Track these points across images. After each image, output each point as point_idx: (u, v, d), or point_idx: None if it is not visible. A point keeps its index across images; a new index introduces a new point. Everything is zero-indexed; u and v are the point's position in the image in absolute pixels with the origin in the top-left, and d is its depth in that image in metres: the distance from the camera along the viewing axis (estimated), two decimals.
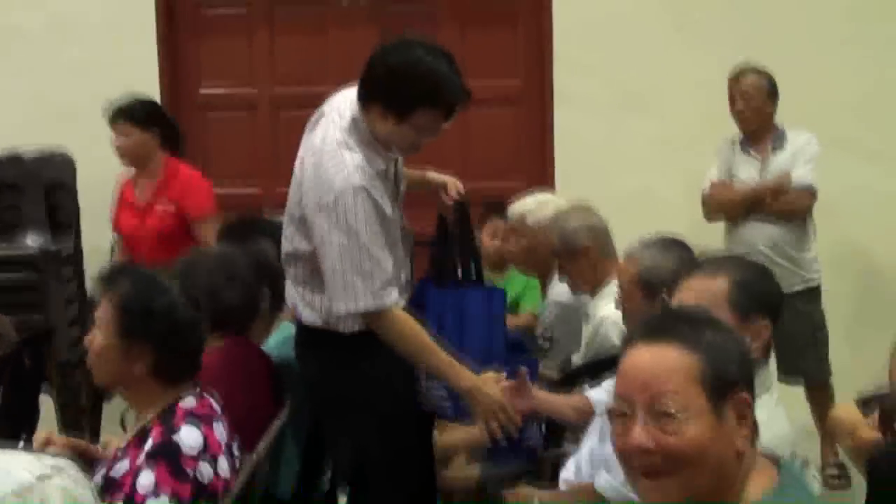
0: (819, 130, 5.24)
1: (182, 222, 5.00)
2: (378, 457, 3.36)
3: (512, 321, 4.85)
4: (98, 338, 2.73)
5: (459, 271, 3.54)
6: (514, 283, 5.06)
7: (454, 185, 3.62)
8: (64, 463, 2.04)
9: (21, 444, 2.74)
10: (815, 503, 1.93)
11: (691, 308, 2.18)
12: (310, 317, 3.33)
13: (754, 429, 1.89)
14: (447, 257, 3.55)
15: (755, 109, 5.18)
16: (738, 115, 5.22)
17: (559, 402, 3.36)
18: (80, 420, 5.39)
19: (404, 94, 3.14)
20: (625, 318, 3.28)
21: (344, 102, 3.27)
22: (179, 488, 2.54)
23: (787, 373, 5.29)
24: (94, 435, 5.36)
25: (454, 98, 3.19)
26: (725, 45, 5.77)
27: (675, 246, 3.24)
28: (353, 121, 3.21)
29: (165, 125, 5.14)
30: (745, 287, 2.52)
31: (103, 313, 2.72)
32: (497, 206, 5.05)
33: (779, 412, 2.50)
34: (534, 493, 3.20)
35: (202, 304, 2.88)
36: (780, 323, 5.13)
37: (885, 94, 5.79)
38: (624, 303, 3.25)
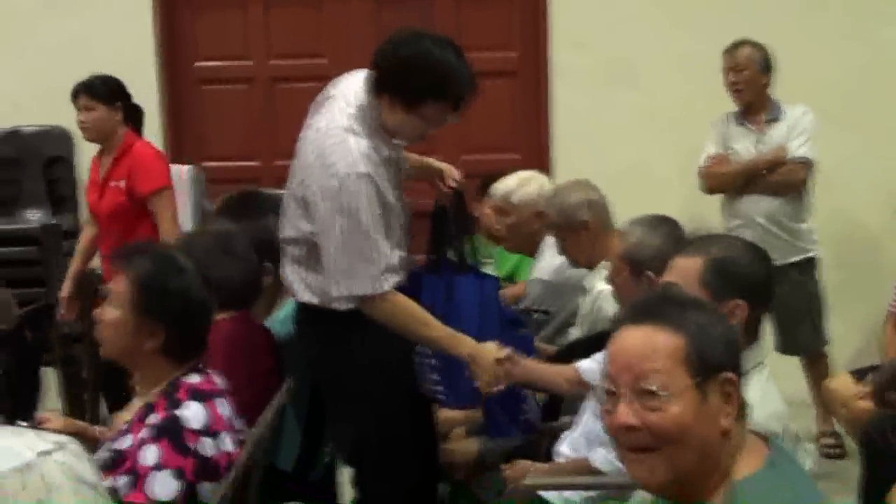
0: (812, 104, 5.27)
1: (132, 199, 4.92)
2: (372, 433, 3.40)
3: (510, 290, 4.95)
4: (111, 312, 2.76)
5: (454, 257, 3.57)
6: (511, 255, 5.11)
7: (451, 173, 3.65)
8: (65, 439, 2.08)
9: (25, 423, 2.78)
10: (804, 479, 1.94)
11: (679, 290, 2.22)
12: (305, 295, 3.37)
13: (741, 408, 1.93)
14: (443, 244, 3.57)
15: (748, 81, 5.19)
16: (732, 87, 5.23)
17: (551, 373, 3.41)
18: (82, 393, 5.43)
19: (414, 86, 3.17)
20: (614, 293, 3.32)
21: (351, 88, 3.29)
22: (183, 463, 2.58)
23: (785, 343, 5.39)
24: (95, 407, 5.41)
25: (462, 90, 3.21)
26: (720, 19, 5.80)
27: (664, 224, 3.26)
28: (361, 108, 3.23)
29: (128, 102, 5.09)
30: (718, 267, 2.55)
31: (120, 289, 2.75)
32: (495, 180, 5.08)
33: (771, 389, 2.53)
34: (529, 467, 3.25)
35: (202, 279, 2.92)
36: (775, 295, 5.24)
37: (878, 67, 5.82)
38: (613, 278, 3.29)
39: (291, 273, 3.40)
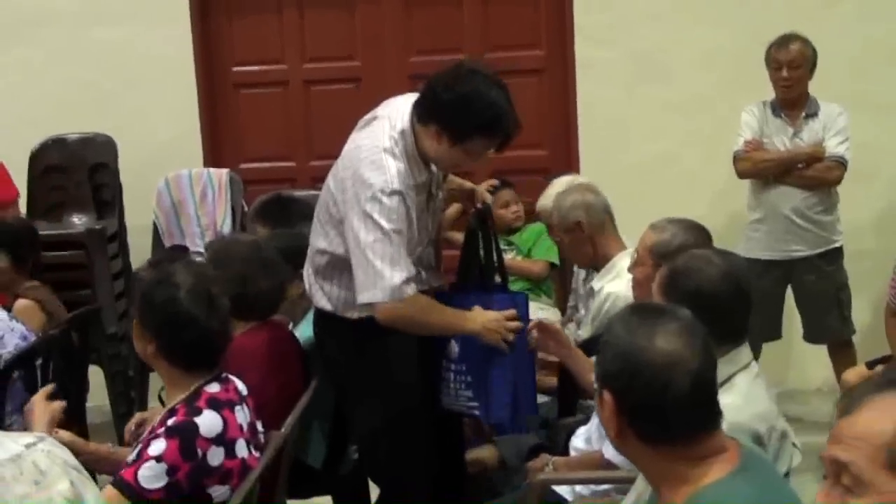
0: (833, 93, 5.34)
1: None
2: (382, 431, 3.57)
3: (527, 265, 5.33)
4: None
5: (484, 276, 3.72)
6: (527, 237, 5.41)
7: (481, 195, 3.83)
8: (43, 435, 2.40)
9: None
10: (774, 482, 2.02)
11: None
12: (322, 302, 3.57)
13: None
14: (472, 263, 3.73)
15: (799, 79, 5.23)
16: (782, 82, 5.25)
17: (584, 363, 3.47)
18: (128, 391, 5.62)
19: (467, 122, 3.33)
20: (633, 281, 3.42)
21: (398, 112, 3.46)
22: (180, 465, 2.78)
23: (812, 332, 5.48)
24: (142, 403, 5.60)
25: (510, 131, 3.38)
26: (744, 12, 5.86)
27: (694, 231, 3.35)
28: (403, 133, 3.40)
29: None
30: (670, 277, 2.70)
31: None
32: (504, 181, 5.41)
33: (757, 390, 2.65)
34: (549, 460, 3.38)
35: (233, 290, 3.10)
36: (803, 284, 5.32)
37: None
38: (636, 266, 3.40)
39: (312, 279, 3.58)
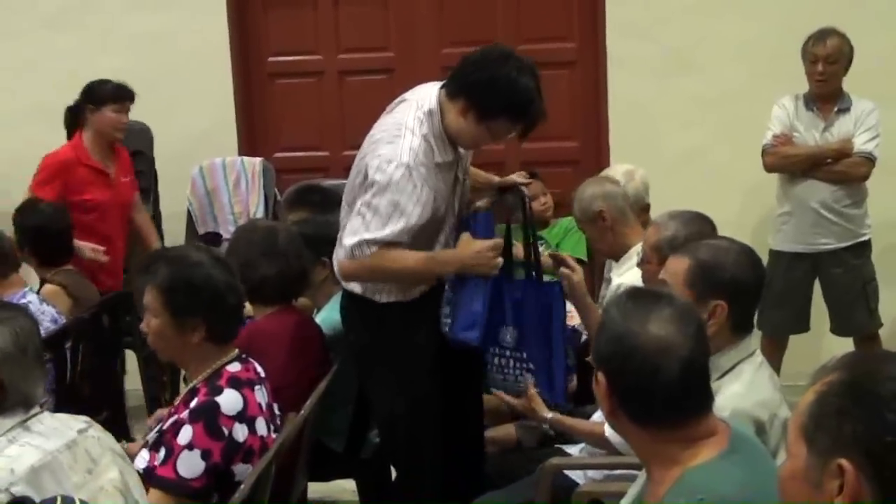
0: (868, 85, 5.33)
1: None
2: (402, 422, 3.63)
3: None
4: (153, 321, 3.01)
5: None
6: (556, 231, 5.45)
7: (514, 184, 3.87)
8: (90, 420, 2.53)
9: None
10: (764, 465, 2.06)
11: None
12: (354, 285, 3.60)
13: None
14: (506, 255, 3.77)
15: (834, 73, 5.23)
16: (817, 76, 5.24)
17: (595, 316, 3.56)
18: (161, 375, 5.70)
19: (496, 102, 3.41)
20: (642, 278, 3.44)
21: (426, 94, 3.53)
22: (212, 446, 2.83)
23: (839, 326, 5.48)
24: (174, 387, 5.68)
25: (536, 118, 3.46)
26: (776, 5, 5.85)
27: (697, 221, 3.36)
28: (430, 113, 3.47)
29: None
30: (699, 269, 2.69)
31: (150, 299, 2.99)
32: (532, 173, 5.30)
33: (761, 378, 2.67)
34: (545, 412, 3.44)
35: (242, 274, 3.16)
36: (830, 277, 5.32)
37: None
38: (644, 264, 3.42)
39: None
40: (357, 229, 3.38)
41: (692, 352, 2.04)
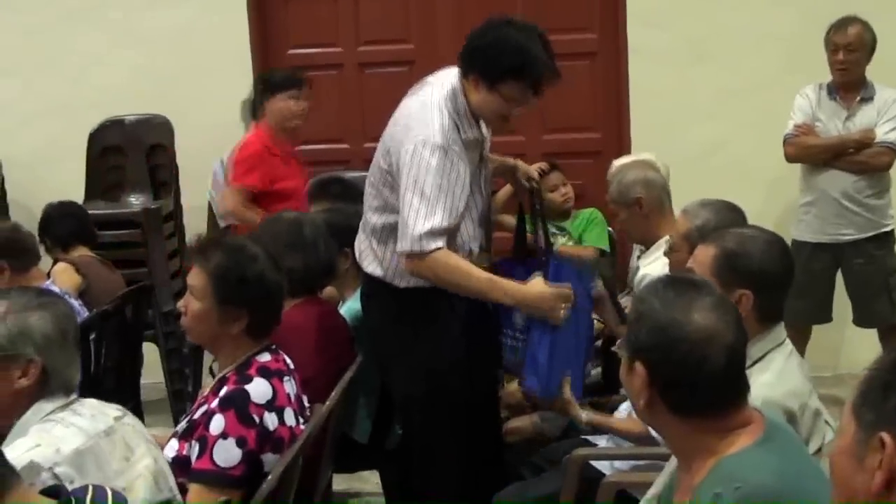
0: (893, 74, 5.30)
1: None
2: (417, 408, 3.63)
3: (577, 251, 5.17)
4: (195, 304, 3.00)
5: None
6: (578, 223, 5.36)
7: (526, 171, 3.90)
8: (124, 409, 2.56)
9: None
10: (797, 453, 2.05)
11: None
12: (371, 267, 3.61)
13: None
14: (524, 240, 3.84)
15: (856, 62, 5.21)
16: (838, 65, 5.23)
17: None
18: (184, 367, 5.72)
19: (497, 65, 3.41)
20: (669, 267, 3.40)
21: (448, 75, 3.56)
22: (246, 433, 2.82)
23: (861, 316, 5.46)
24: (196, 380, 5.70)
25: (539, 73, 3.42)
26: None
27: (728, 211, 3.35)
28: (453, 91, 3.50)
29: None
30: (726, 259, 2.68)
31: (199, 282, 2.98)
32: (551, 164, 5.30)
33: (791, 367, 2.66)
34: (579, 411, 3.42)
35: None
36: (852, 268, 5.30)
37: None
38: (672, 254, 3.41)
39: (364, 242, 3.64)
40: (410, 221, 3.37)
41: (736, 340, 2.04)
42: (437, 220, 3.36)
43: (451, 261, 3.41)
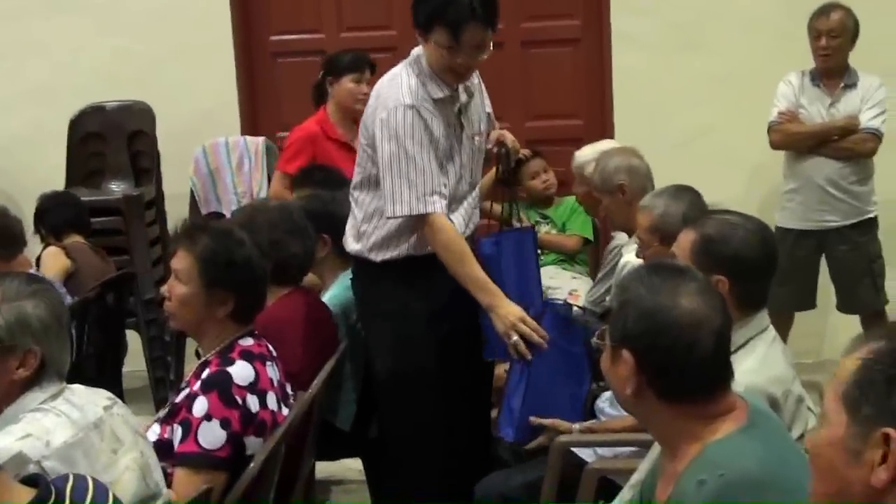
0: (877, 61, 5.30)
1: None
2: (393, 392, 3.64)
3: (561, 240, 5.26)
4: (180, 287, 2.98)
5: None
6: (562, 210, 5.38)
7: (501, 137, 3.87)
8: (115, 398, 2.50)
9: None
10: (781, 439, 2.05)
11: None
12: (351, 244, 3.64)
13: None
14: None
15: (839, 48, 5.21)
16: (821, 51, 5.23)
17: None
18: (166, 355, 5.71)
19: (423, 15, 3.46)
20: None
21: (415, 48, 3.60)
22: (229, 413, 2.81)
23: (845, 303, 5.47)
24: (179, 366, 5.69)
25: (456, 17, 3.40)
26: None
27: (685, 193, 3.37)
28: (417, 57, 3.55)
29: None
30: (703, 244, 2.68)
31: (185, 265, 2.97)
32: (533, 151, 5.30)
33: (774, 354, 2.66)
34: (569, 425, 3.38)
35: (271, 254, 3.16)
36: (836, 254, 5.31)
37: None
38: (644, 251, 3.40)
39: (350, 222, 3.66)
40: (397, 184, 3.40)
41: (723, 324, 2.04)
42: (431, 179, 3.41)
43: (442, 237, 3.43)
